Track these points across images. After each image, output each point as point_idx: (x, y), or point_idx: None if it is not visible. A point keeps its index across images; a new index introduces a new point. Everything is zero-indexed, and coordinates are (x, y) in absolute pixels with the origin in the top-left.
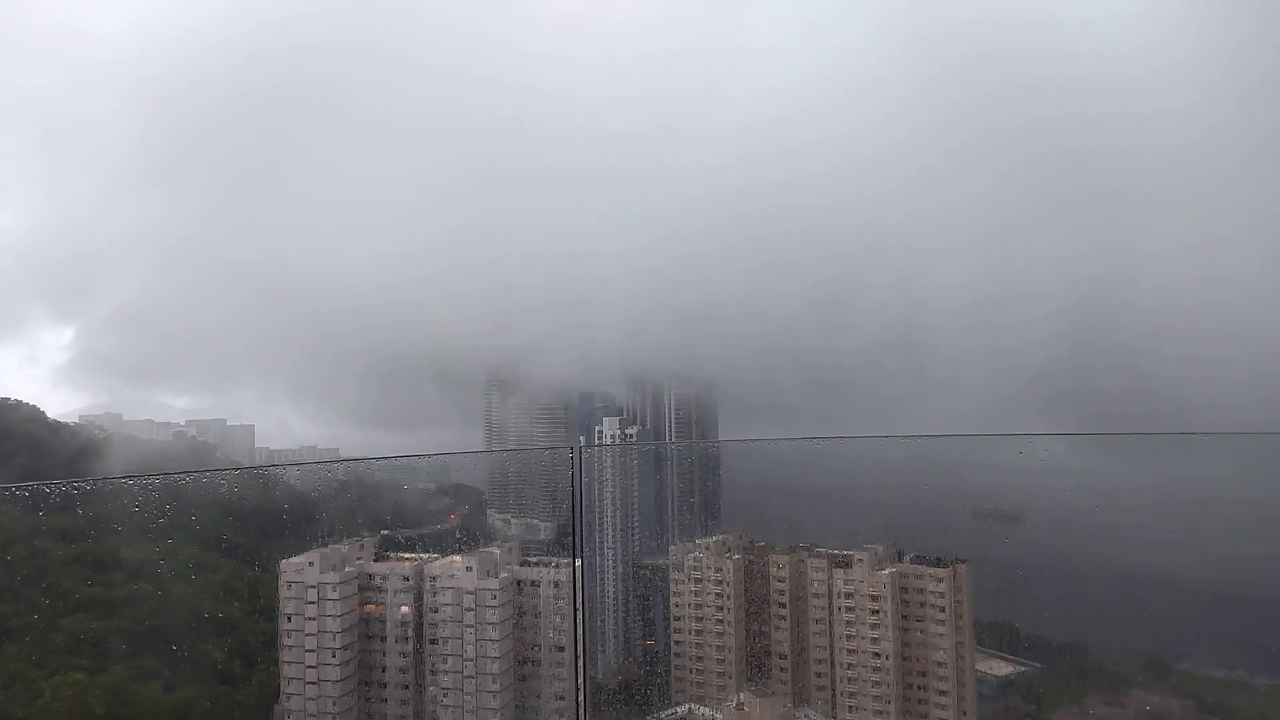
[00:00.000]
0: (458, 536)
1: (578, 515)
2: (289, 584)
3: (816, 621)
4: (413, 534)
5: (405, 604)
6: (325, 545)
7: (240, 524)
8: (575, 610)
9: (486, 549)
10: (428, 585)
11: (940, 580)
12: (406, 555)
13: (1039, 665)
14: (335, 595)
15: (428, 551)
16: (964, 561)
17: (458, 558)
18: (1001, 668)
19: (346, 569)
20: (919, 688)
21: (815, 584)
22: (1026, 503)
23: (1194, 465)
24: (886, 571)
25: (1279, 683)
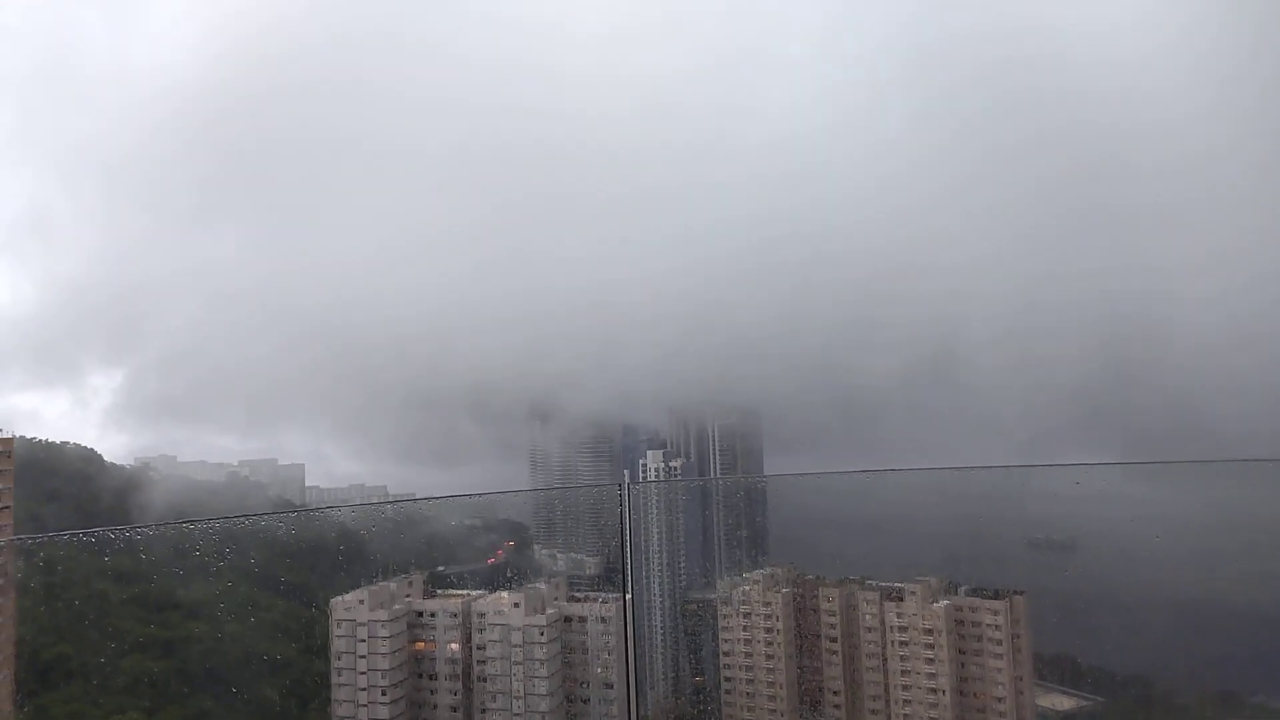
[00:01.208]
0: (506, 574)
1: (626, 551)
2: (340, 622)
3: (869, 656)
4: (461, 570)
5: (454, 641)
6: (375, 583)
7: (294, 564)
8: (625, 646)
9: (533, 585)
10: (475, 622)
11: (997, 613)
12: (455, 592)
13: (1102, 699)
14: (385, 633)
15: (476, 588)
16: (1021, 593)
17: (505, 594)
18: (1064, 702)
19: (395, 606)
20: None
21: (867, 617)
22: (1082, 532)
23: (1246, 489)
24: (941, 604)
25: None
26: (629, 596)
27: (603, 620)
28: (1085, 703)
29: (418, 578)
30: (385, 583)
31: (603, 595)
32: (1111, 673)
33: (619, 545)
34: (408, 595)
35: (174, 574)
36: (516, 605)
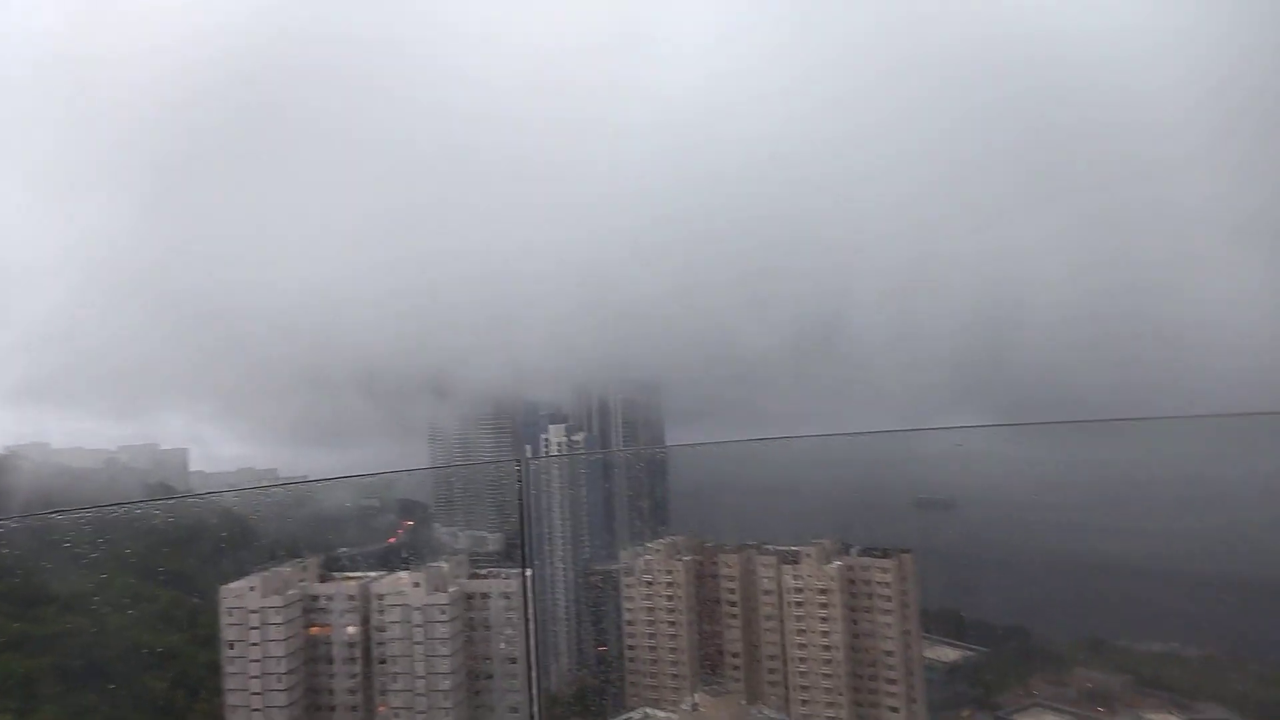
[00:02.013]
0: (404, 553)
1: (526, 527)
2: (230, 610)
3: (767, 619)
4: (358, 552)
5: (352, 624)
6: (267, 569)
7: (177, 552)
8: (526, 621)
9: (434, 564)
10: (374, 604)
11: (886, 571)
12: (352, 575)
13: (985, 649)
14: (279, 619)
15: (374, 570)
16: (909, 551)
17: (405, 574)
18: (949, 654)
19: (290, 592)
20: (869, 678)
21: (765, 581)
22: (965, 492)
23: (1113, 450)
24: (834, 565)
25: (1210, 653)
26: (529, 571)
27: (505, 596)
28: (969, 654)
29: (312, 562)
30: (278, 568)
31: (505, 571)
32: (993, 625)
33: (521, 521)
34: (302, 580)
35: (43, 568)
36: (416, 585)
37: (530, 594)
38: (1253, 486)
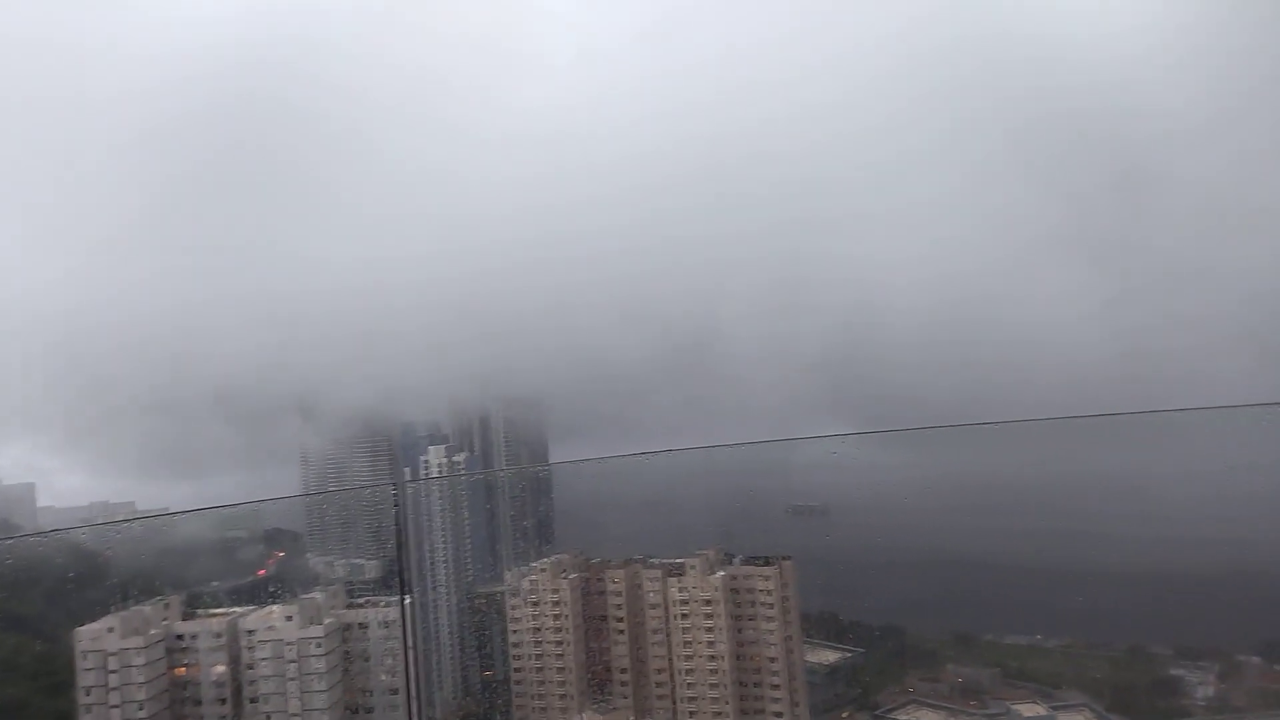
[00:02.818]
0: (275, 586)
1: (404, 553)
2: (85, 654)
3: (654, 632)
4: (226, 587)
5: (220, 663)
6: (125, 608)
7: (22, 595)
8: (406, 650)
9: (308, 595)
10: (244, 640)
11: (768, 579)
12: (218, 611)
13: (862, 650)
14: (140, 661)
15: (242, 605)
16: (789, 558)
17: (276, 608)
18: (829, 656)
19: (151, 632)
20: (754, 684)
21: (651, 595)
22: (841, 498)
23: (969, 453)
24: (718, 575)
25: (1069, 642)
26: (409, 598)
27: (385, 625)
28: (848, 655)
29: (175, 599)
30: (138, 607)
31: (384, 599)
32: (869, 625)
33: (398, 546)
34: (165, 619)
35: None
36: (289, 618)
37: (410, 621)
38: (1094, 484)
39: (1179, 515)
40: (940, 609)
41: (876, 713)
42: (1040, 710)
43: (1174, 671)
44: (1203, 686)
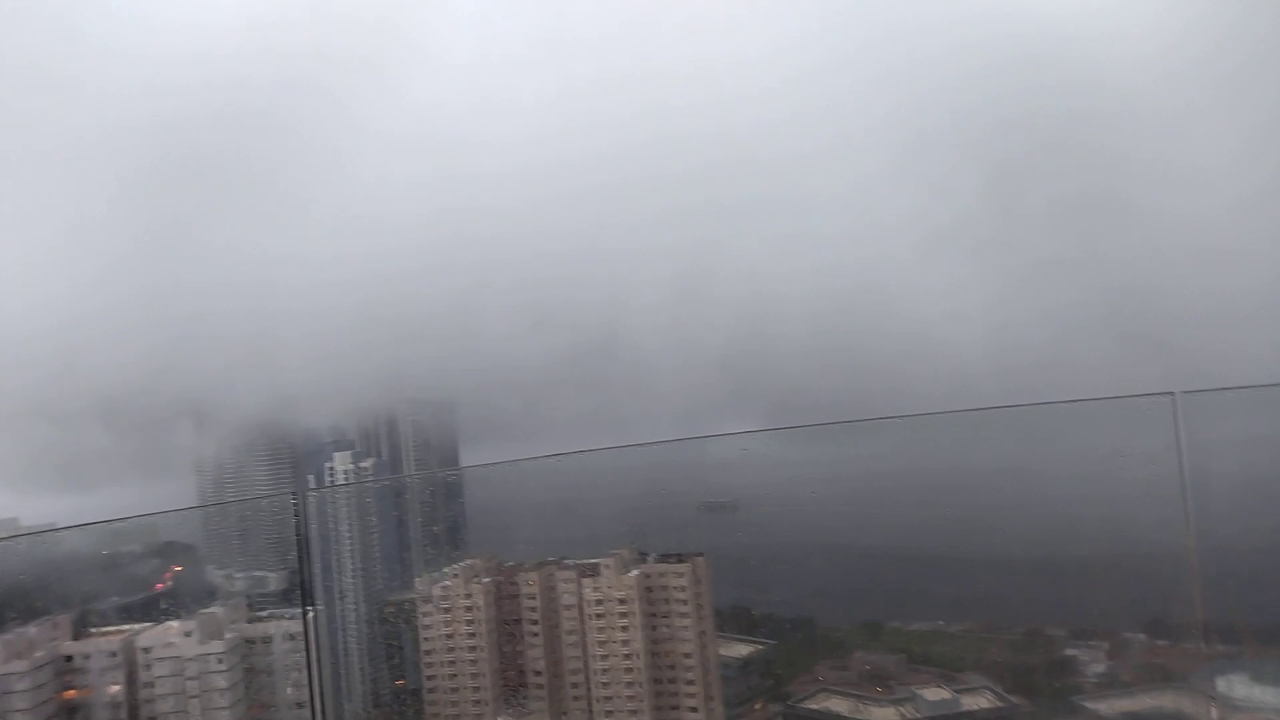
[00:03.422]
0: (170, 602)
1: (307, 563)
2: None
3: (569, 633)
4: (119, 604)
5: (115, 683)
6: (7, 630)
7: None
8: (310, 664)
9: (207, 610)
10: (140, 659)
11: (682, 575)
12: (112, 629)
13: (774, 643)
14: (24, 686)
15: (137, 622)
16: (701, 555)
17: (174, 624)
18: (741, 650)
19: (37, 654)
20: (669, 681)
21: (566, 596)
22: (752, 494)
23: (869, 447)
24: (632, 574)
25: (970, 627)
26: (312, 609)
27: (291, 638)
28: (760, 648)
29: (63, 618)
30: (21, 629)
31: (289, 611)
32: (781, 618)
33: (299, 557)
34: (52, 639)
35: None
36: (188, 634)
37: (315, 633)
38: (988, 474)
39: (1067, 502)
40: (848, 599)
41: (788, 703)
42: (944, 694)
43: (1068, 652)
44: (1094, 664)
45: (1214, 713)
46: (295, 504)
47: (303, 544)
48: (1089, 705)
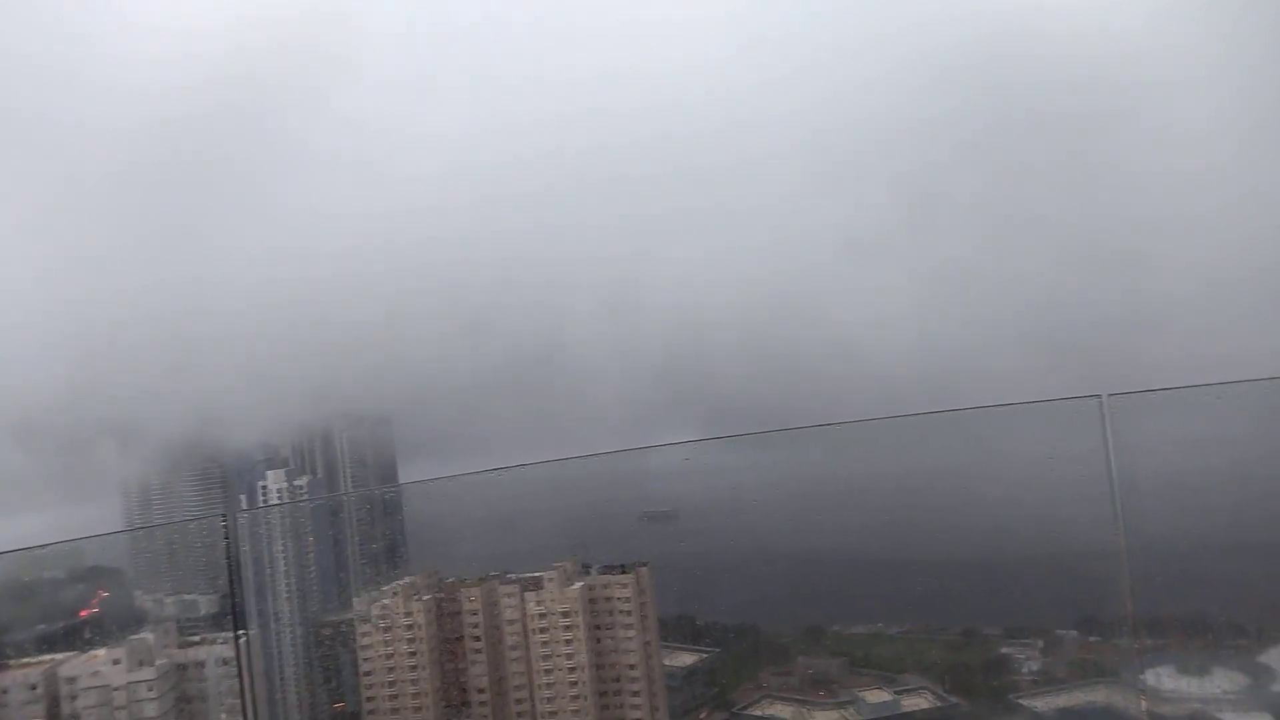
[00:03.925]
0: (88, 633)
1: (239, 585)
2: None
3: (513, 648)
4: (41, 633)
5: (36, 715)
6: None
7: None
8: (243, 688)
9: (136, 636)
10: (65, 689)
11: (625, 586)
12: (32, 660)
13: (718, 650)
14: None
15: (61, 651)
16: (645, 565)
17: (100, 652)
18: (686, 659)
19: None
20: (614, 693)
21: (509, 611)
22: (695, 503)
23: (809, 453)
24: (576, 586)
25: (909, 629)
26: (244, 633)
27: (224, 663)
28: (705, 656)
29: None
30: None
31: (222, 635)
32: (725, 625)
33: (230, 580)
34: None
35: None
36: (116, 662)
37: (248, 657)
38: (924, 478)
39: (1001, 504)
40: (791, 604)
41: (733, 710)
42: (885, 695)
43: (1004, 650)
44: (1029, 662)
45: (1144, 705)
46: (225, 525)
47: (233, 566)
48: (1025, 703)
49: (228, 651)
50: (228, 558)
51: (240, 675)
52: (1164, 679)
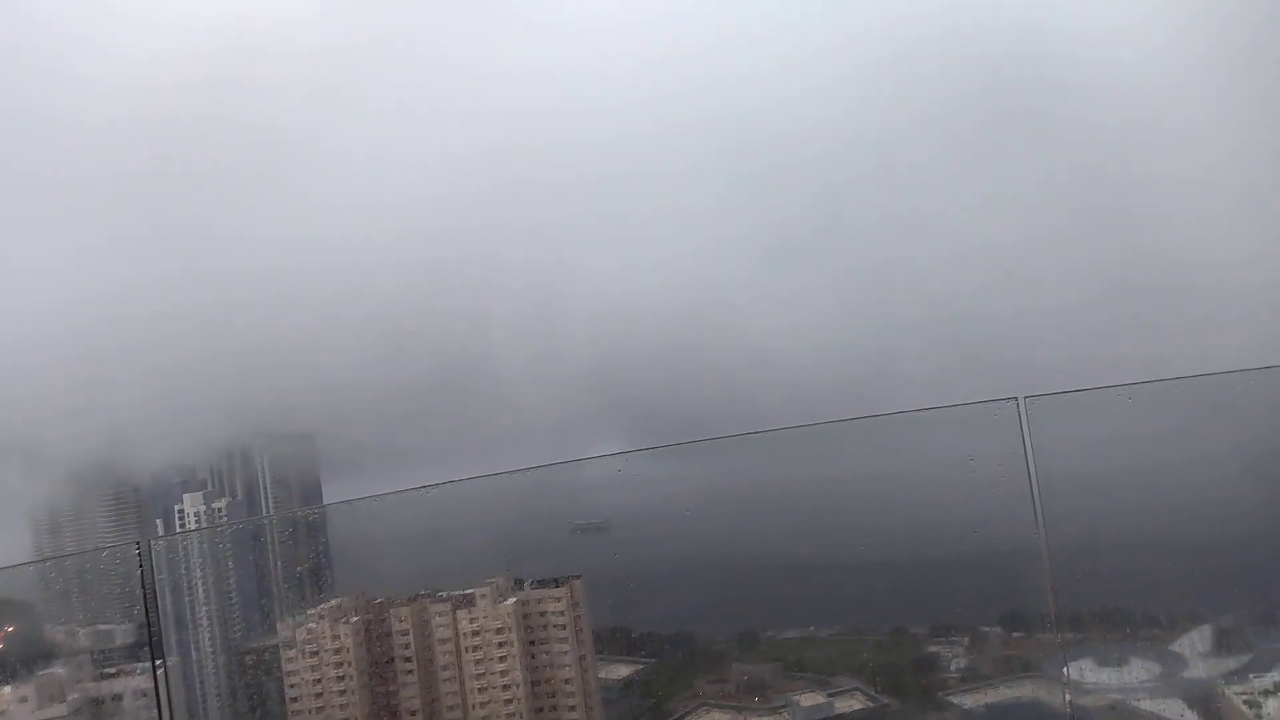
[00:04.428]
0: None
1: (155, 615)
2: None
3: (445, 668)
4: None
5: None
6: None
7: None
8: (159, 717)
9: (46, 671)
10: None
11: (559, 600)
12: None
13: (654, 660)
14: None
15: None
16: (579, 577)
17: (6, 690)
18: (622, 670)
19: None
20: (550, 709)
21: (441, 630)
22: (627, 514)
23: (743, 461)
24: (509, 602)
25: (839, 631)
26: (162, 663)
27: (143, 694)
28: (641, 667)
29: None
30: None
31: (140, 666)
32: (660, 635)
33: (145, 609)
34: None
35: None
36: (24, 700)
37: (166, 688)
38: (850, 482)
39: (925, 506)
40: (725, 612)
41: (669, 719)
42: (818, 698)
43: (931, 649)
44: (955, 660)
45: (1067, 697)
46: (139, 553)
47: (149, 594)
48: (954, 700)
49: (146, 683)
50: (143, 586)
51: (159, 707)
52: (1085, 672)
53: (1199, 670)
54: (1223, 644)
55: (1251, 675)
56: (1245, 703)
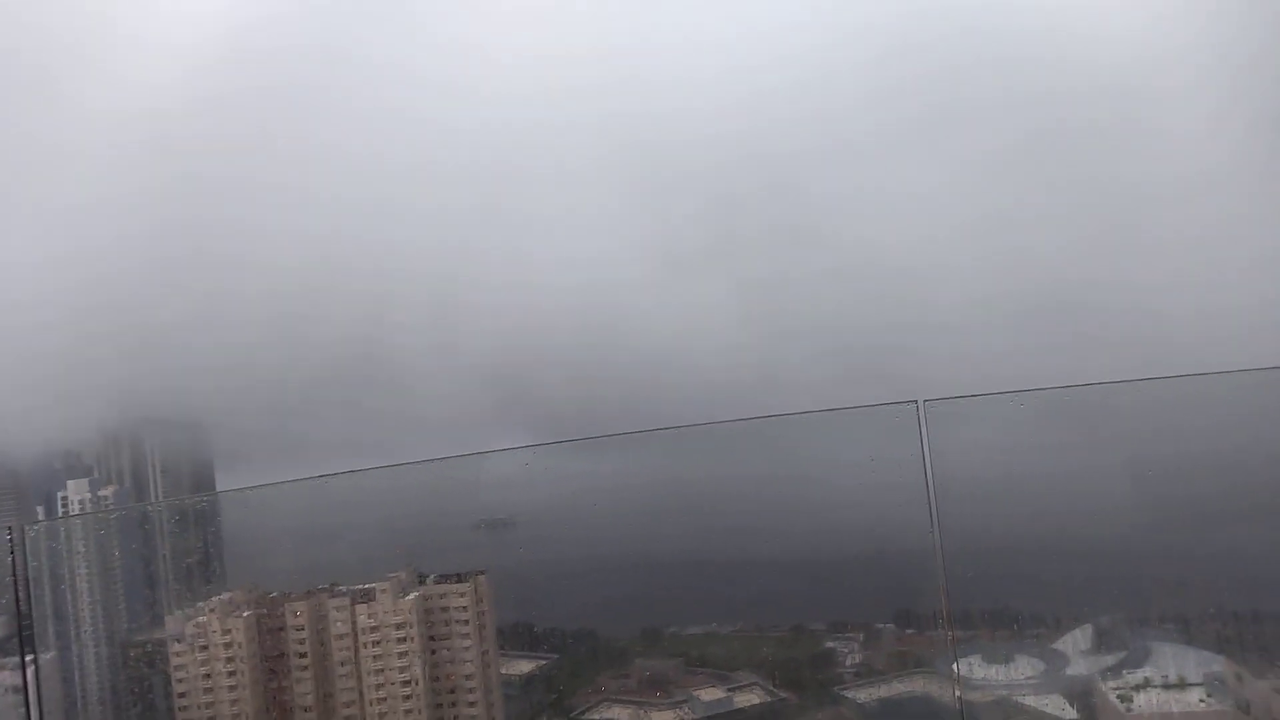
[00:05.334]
0: None
1: (29, 606)
2: None
3: (342, 664)
4: None
5: None
6: None
7: None
8: (36, 717)
9: None
10: None
11: (463, 595)
12: None
13: (557, 656)
14: None
15: None
16: (483, 573)
17: None
18: (524, 667)
19: None
20: (450, 705)
21: (338, 625)
22: (534, 509)
23: (650, 459)
24: (411, 597)
25: (741, 628)
26: (33, 658)
27: (15, 690)
28: (543, 662)
29: None
30: None
31: (11, 661)
32: (564, 631)
33: (16, 600)
34: None
35: None
36: None
37: (38, 683)
38: (754, 482)
39: (826, 506)
40: (629, 608)
41: (571, 715)
42: (719, 693)
43: (828, 645)
44: (851, 655)
45: (957, 693)
46: (10, 539)
47: (19, 584)
48: (849, 695)
49: (16, 679)
50: (14, 574)
51: (28, 704)
52: (974, 668)
53: (1079, 667)
54: (1101, 642)
55: (1125, 671)
56: (1119, 697)
